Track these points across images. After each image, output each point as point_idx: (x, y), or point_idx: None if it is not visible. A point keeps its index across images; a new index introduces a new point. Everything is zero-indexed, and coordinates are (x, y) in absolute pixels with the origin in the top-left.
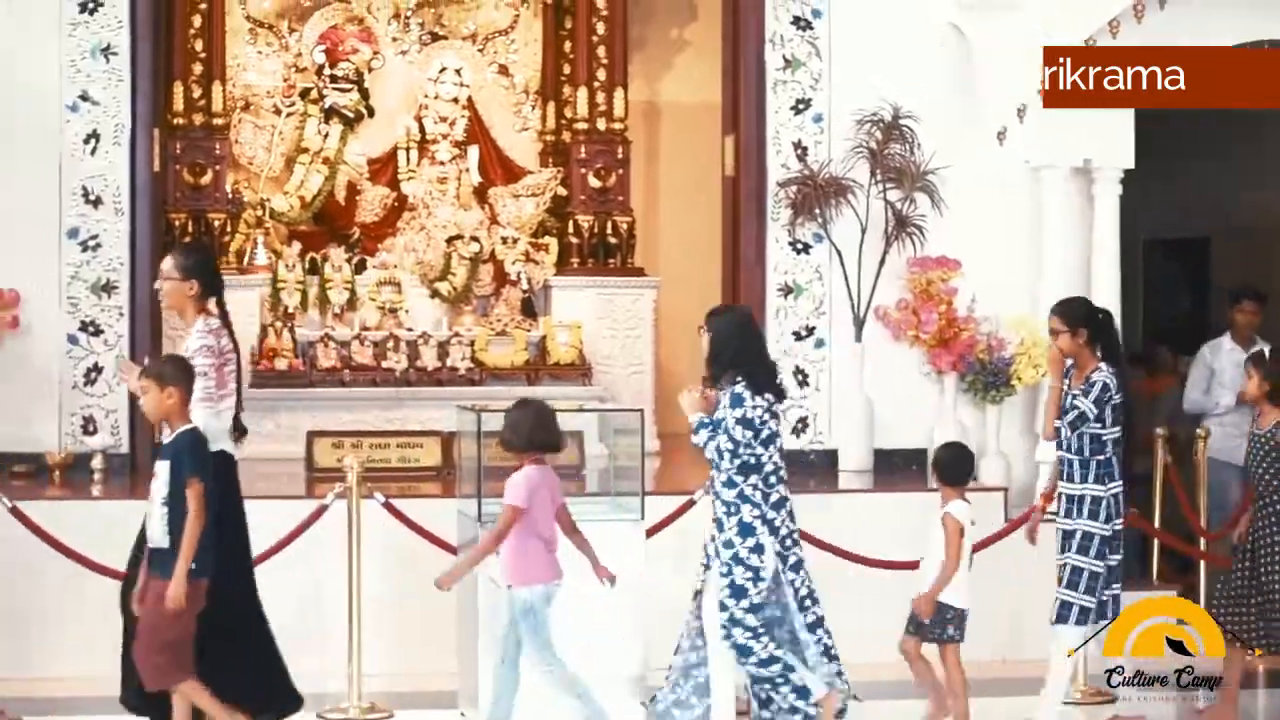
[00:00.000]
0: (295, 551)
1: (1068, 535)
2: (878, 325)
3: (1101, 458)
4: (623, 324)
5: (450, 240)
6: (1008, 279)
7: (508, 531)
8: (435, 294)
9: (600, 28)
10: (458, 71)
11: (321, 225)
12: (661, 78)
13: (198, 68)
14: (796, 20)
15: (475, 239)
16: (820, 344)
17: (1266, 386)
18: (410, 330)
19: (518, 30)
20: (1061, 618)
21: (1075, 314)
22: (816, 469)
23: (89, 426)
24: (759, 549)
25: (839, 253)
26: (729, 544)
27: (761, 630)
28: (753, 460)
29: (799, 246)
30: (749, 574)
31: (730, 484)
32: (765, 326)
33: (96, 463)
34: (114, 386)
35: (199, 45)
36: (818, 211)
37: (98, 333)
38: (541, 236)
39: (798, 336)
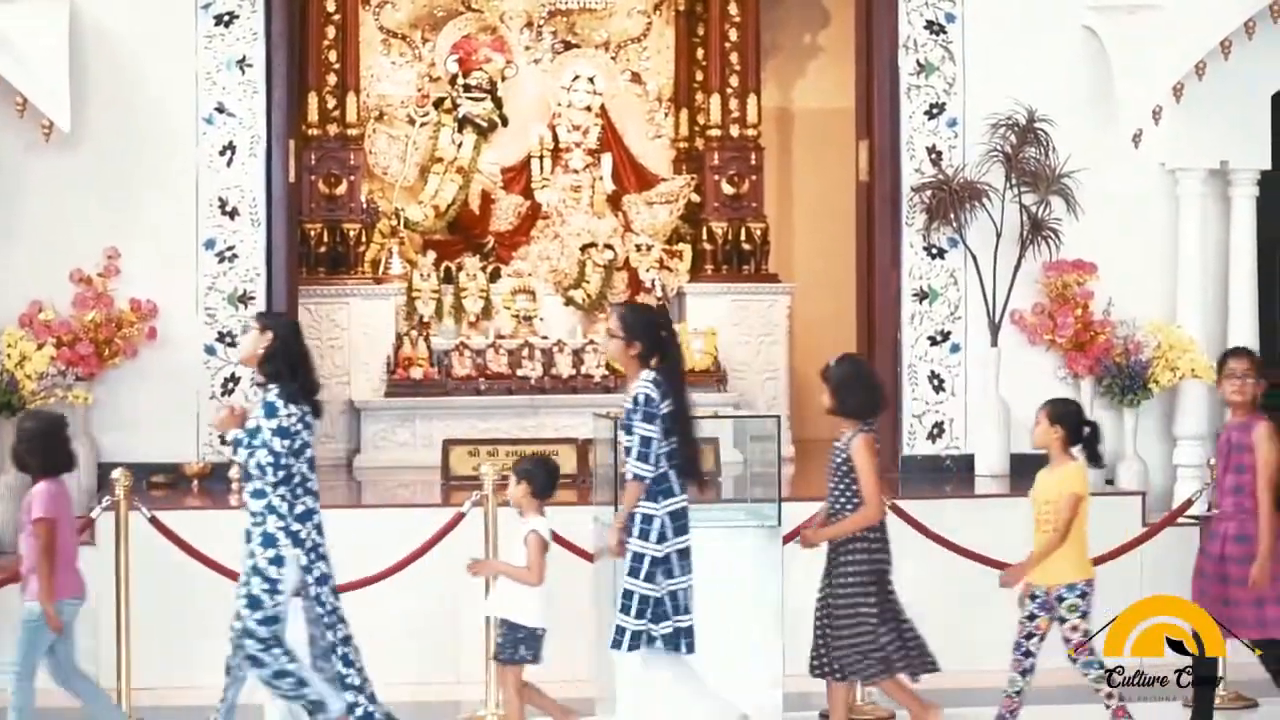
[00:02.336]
0: (431, 560)
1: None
2: (1013, 329)
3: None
4: (757, 330)
5: (584, 248)
6: (1144, 282)
7: None
8: (569, 302)
9: (733, 34)
10: (590, 80)
11: (456, 234)
12: (794, 83)
13: (332, 79)
14: (930, 24)
15: (609, 246)
16: (956, 349)
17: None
18: (545, 338)
19: (650, 38)
20: (615, 643)
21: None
22: (952, 474)
23: (226, 436)
24: (279, 561)
25: (974, 257)
26: (250, 554)
27: (274, 643)
28: (284, 472)
29: (934, 251)
30: (266, 586)
31: (259, 494)
32: (900, 331)
33: (234, 472)
34: (251, 396)
35: (333, 56)
36: (952, 216)
37: (234, 343)
38: (675, 243)
39: (933, 341)
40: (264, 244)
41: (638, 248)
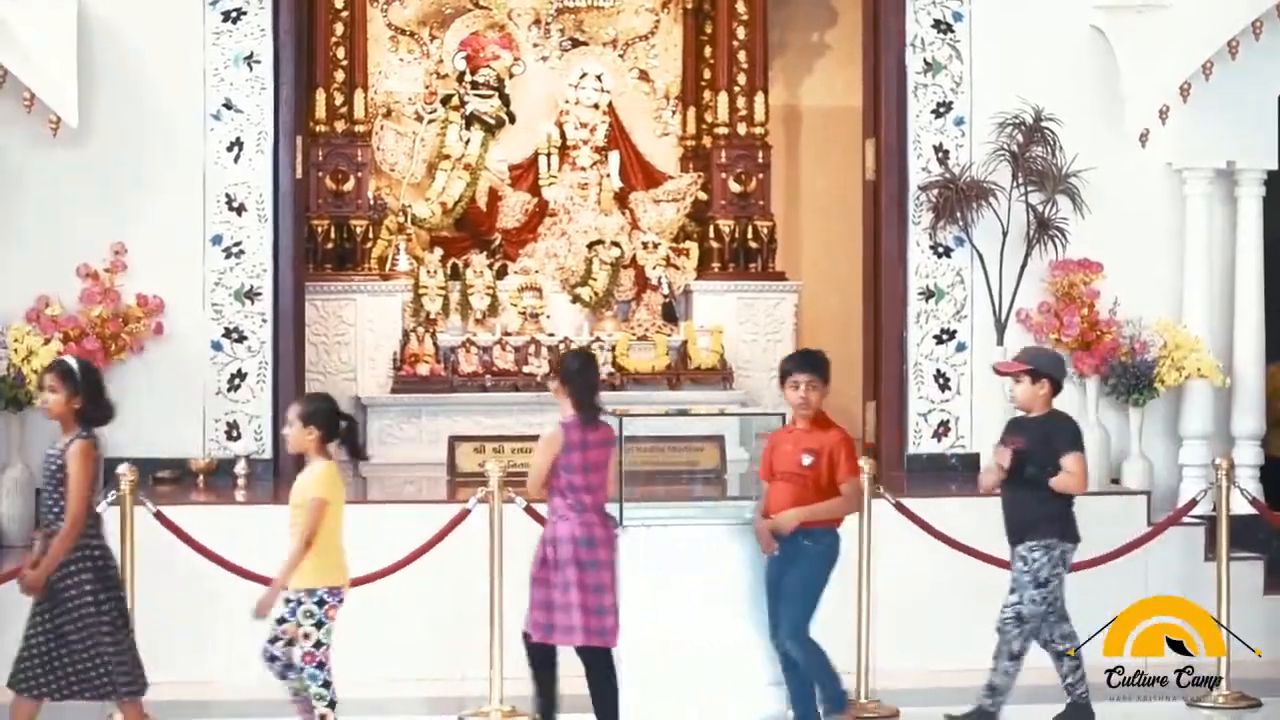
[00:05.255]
0: (436, 556)
1: None
2: (1019, 328)
3: None
4: (764, 328)
5: (591, 245)
6: (1150, 281)
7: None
8: (576, 299)
9: (740, 32)
10: (598, 77)
11: (463, 231)
12: (802, 82)
13: (339, 75)
14: (937, 24)
15: (616, 244)
16: (961, 347)
17: None
18: (551, 335)
19: (658, 36)
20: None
21: None
22: (958, 473)
23: (232, 432)
24: None
25: (980, 256)
26: None
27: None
28: None
29: (940, 250)
30: None
31: None
32: (906, 330)
33: (240, 468)
34: (257, 392)
35: (341, 53)
36: (959, 215)
37: (241, 339)
38: (682, 241)
39: (939, 340)
40: (271, 240)
41: (645, 245)
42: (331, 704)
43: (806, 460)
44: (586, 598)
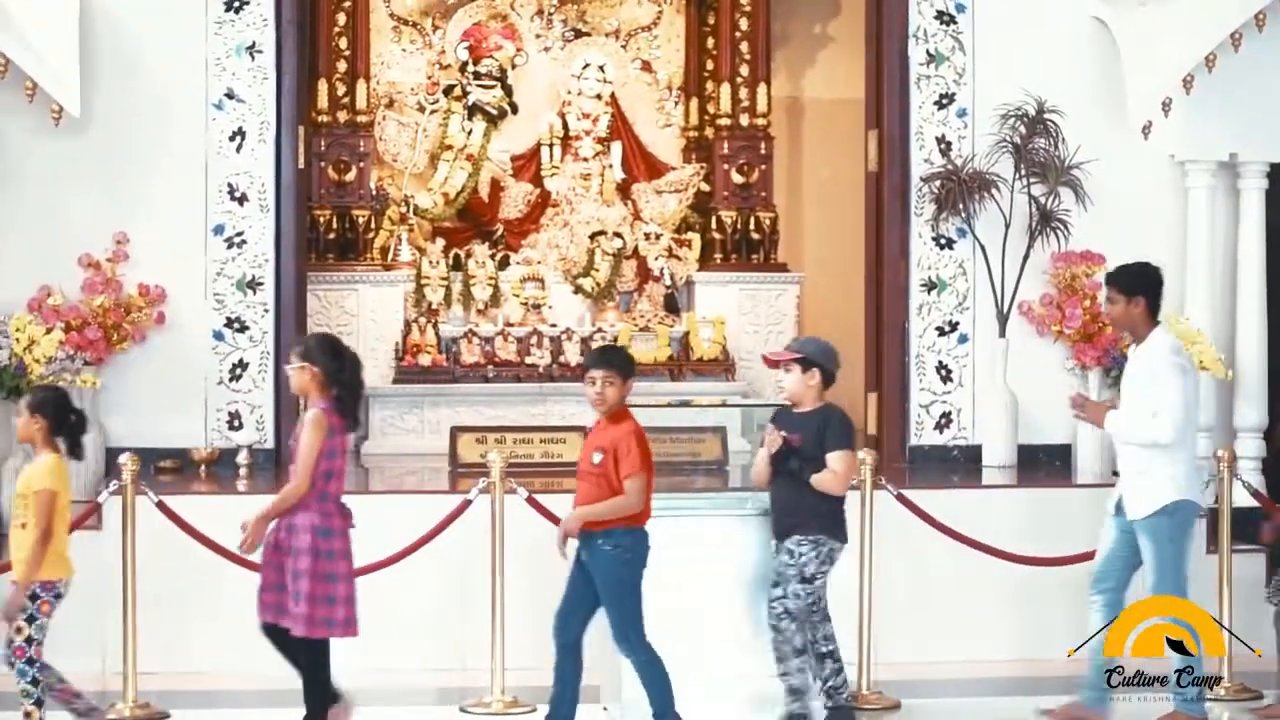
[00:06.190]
0: (438, 546)
1: None
2: (1021, 320)
3: None
4: (766, 319)
5: (593, 236)
6: None
7: None
8: (578, 290)
9: (743, 23)
10: (601, 68)
11: (465, 221)
12: (804, 73)
13: (342, 65)
14: (940, 15)
15: (618, 235)
16: (964, 339)
17: None
18: (553, 326)
19: (660, 26)
20: None
21: None
22: (960, 464)
23: (234, 422)
24: None
25: (982, 248)
26: None
27: None
28: None
29: (942, 241)
30: None
31: None
32: (908, 322)
33: (242, 458)
34: (259, 382)
35: (343, 43)
36: (961, 206)
37: (243, 329)
38: (684, 232)
39: (941, 332)
40: (273, 230)
41: (647, 236)
42: (39, 703)
43: (596, 458)
44: (316, 587)
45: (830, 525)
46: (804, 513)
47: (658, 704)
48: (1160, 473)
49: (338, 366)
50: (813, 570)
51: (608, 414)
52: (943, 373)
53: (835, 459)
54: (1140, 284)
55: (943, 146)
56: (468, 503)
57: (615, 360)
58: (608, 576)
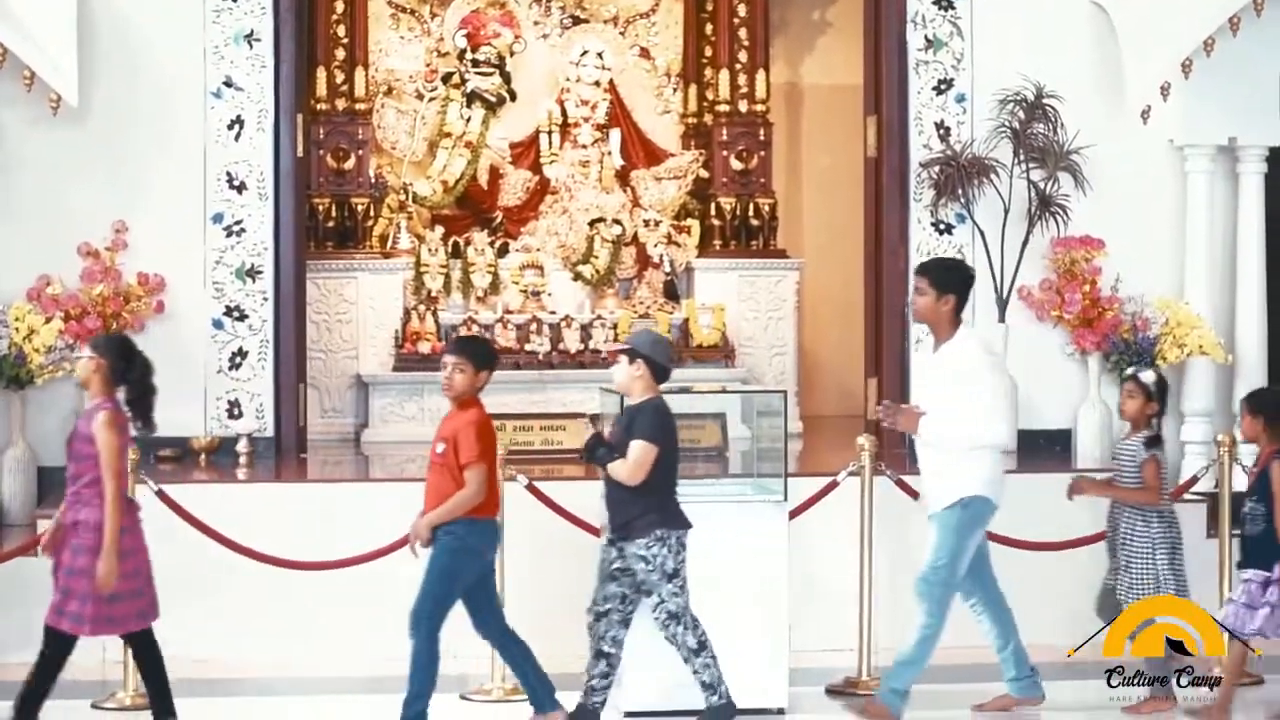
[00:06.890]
0: None
1: None
2: (1021, 305)
3: None
4: (765, 306)
5: (592, 223)
6: (1152, 258)
7: None
8: (578, 277)
9: (741, 10)
10: (599, 55)
11: (464, 209)
12: (803, 59)
13: (340, 53)
14: (938, 0)
15: (617, 222)
16: None
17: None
18: (553, 313)
19: (659, 13)
20: None
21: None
22: None
23: (234, 411)
24: None
25: (982, 233)
26: None
27: None
28: None
29: (941, 227)
30: None
31: None
32: (908, 307)
33: (241, 446)
34: (258, 371)
35: (341, 31)
36: (960, 192)
37: (242, 317)
38: (683, 219)
39: None
40: (272, 218)
41: (646, 223)
42: None
43: (439, 448)
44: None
45: (664, 518)
46: (634, 512)
47: (416, 689)
48: (963, 470)
49: (124, 366)
50: (673, 565)
51: (456, 401)
52: None
53: (632, 447)
54: (954, 281)
55: (941, 132)
56: None
57: (470, 349)
58: (434, 559)
